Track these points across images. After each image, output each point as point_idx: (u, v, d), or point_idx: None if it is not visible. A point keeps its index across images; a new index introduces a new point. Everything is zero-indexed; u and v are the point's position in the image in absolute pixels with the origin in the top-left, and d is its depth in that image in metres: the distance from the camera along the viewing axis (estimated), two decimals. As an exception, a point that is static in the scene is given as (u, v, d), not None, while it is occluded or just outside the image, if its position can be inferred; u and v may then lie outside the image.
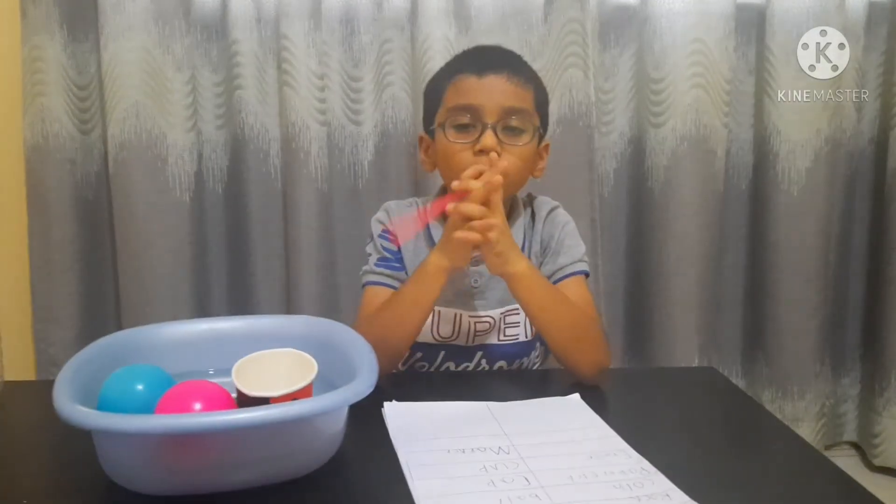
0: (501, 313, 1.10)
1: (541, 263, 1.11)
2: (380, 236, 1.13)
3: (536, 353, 1.14)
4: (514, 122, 1.04)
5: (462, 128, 1.05)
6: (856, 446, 1.89)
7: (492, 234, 0.94)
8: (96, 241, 1.61)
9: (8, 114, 1.55)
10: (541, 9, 1.61)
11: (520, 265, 0.97)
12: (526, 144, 1.06)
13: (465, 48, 1.22)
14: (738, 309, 1.80)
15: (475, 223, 0.94)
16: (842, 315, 1.83)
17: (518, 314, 1.10)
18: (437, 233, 1.11)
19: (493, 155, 1.00)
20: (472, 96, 1.05)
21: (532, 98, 1.08)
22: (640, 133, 1.70)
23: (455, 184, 0.96)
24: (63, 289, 1.57)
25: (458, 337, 1.10)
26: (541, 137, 1.11)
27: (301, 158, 1.56)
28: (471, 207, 0.94)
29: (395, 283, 1.09)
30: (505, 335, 1.11)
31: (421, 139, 1.16)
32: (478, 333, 1.10)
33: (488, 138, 1.02)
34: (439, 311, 1.09)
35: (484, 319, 1.09)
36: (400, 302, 1.02)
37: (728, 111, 1.66)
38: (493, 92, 1.04)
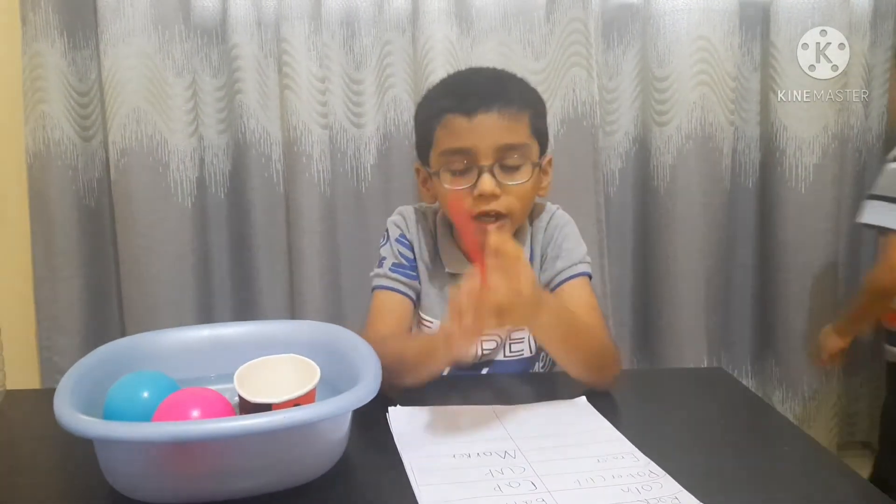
0: (507, 330, 1.08)
1: (541, 270, 1.09)
2: (398, 240, 1.10)
3: (542, 365, 1.12)
4: (510, 160, 1.01)
5: (458, 172, 1.02)
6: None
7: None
8: (99, 248, 1.61)
9: (9, 121, 1.55)
10: (543, 8, 1.59)
11: (539, 320, 0.88)
12: (524, 182, 1.02)
13: (451, 75, 1.19)
14: (747, 308, 1.78)
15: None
16: (852, 312, 1.81)
17: (523, 330, 1.08)
18: (442, 247, 1.11)
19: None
20: (464, 139, 1.00)
21: (527, 125, 1.03)
22: (645, 132, 1.68)
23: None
24: (67, 296, 1.57)
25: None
26: (540, 160, 1.06)
27: (303, 162, 1.56)
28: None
29: (409, 291, 1.08)
30: (511, 351, 1.09)
31: (418, 171, 1.12)
32: (485, 352, 1.09)
33: (486, 183, 0.99)
34: None
35: (490, 338, 1.08)
36: (408, 356, 0.94)
37: (734, 108, 1.65)
38: (485, 132, 0.99)
